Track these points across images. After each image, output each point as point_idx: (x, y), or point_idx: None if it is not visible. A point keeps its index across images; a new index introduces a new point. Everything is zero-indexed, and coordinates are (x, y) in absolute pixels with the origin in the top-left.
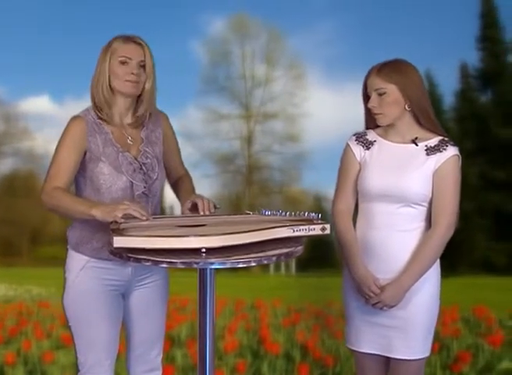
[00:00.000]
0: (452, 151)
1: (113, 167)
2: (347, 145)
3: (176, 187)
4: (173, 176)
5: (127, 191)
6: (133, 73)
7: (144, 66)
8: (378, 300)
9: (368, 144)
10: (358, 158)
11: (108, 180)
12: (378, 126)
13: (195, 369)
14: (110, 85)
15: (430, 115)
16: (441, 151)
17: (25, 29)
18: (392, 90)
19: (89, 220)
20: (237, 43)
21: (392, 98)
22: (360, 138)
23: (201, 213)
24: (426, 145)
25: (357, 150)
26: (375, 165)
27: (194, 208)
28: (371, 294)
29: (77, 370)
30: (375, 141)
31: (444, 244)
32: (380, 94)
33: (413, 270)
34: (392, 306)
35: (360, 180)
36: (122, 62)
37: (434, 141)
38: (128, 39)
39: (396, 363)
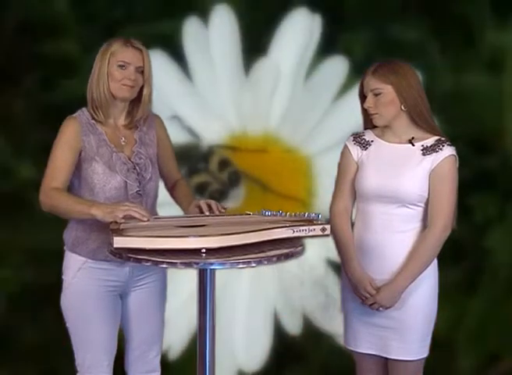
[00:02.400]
0: (448, 151)
1: (107, 166)
2: (345, 146)
3: (174, 193)
4: (170, 180)
5: (121, 190)
6: (129, 78)
7: (141, 72)
8: (374, 301)
9: (365, 145)
10: (355, 159)
11: (102, 179)
12: (375, 127)
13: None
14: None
15: (426, 116)
16: (437, 151)
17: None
18: (387, 90)
19: (84, 221)
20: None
21: (387, 99)
22: (357, 138)
23: (206, 213)
24: (422, 145)
25: (355, 150)
26: (371, 165)
27: (200, 211)
28: (367, 295)
29: (75, 371)
30: (372, 141)
31: (440, 245)
32: (376, 95)
33: (408, 271)
34: (388, 307)
35: (357, 181)
36: (121, 66)
37: (430, 140)
38: (127, 43)
39: (393, 364)
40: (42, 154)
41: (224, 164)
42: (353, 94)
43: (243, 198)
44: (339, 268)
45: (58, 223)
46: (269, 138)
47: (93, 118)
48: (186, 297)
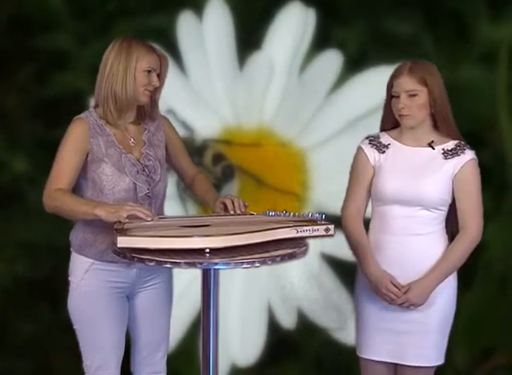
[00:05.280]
0: (470, 154)
1: (116, 168)
2: (360, 149)
3: (194, 189)
4: (188, 176)
5: (130, 192)
6: (153, 84)
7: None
8: (405, 300)
9: (382, 148)
10: (372, 162)
11: (111, 180)
12: (393, 128)
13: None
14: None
15: (450, 120)
16: (459, 155)
17: None
18: (423, 92)
19: (92, 222)
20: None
21: (422, 101)
22: (373, 141)
23: (232, 213)
24: (443, 149)
25: (371, 154)
26: (391, 169)
27: (225, 208)
28: (391, 295)
29: (82, 373)
30: (389, 144)
31: (472, 248)
32: (411, 96)
33: (441, 269)
34: (418, 305)
35: (376, 185)
36: (147, 72)
37: (450, 144)
38: (151, 48)
39: (406, 370)
40: (36, 148)
41: (218, 158)
42: (348, 88)
43: (237, 193)
44: (334, 262)
45: (52, 216)
46: (263, 132)
47: (101, 118)
48: (181, 293)
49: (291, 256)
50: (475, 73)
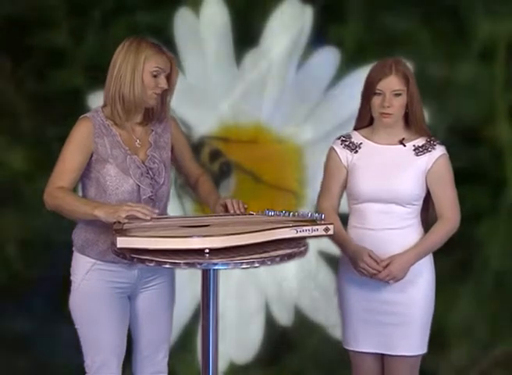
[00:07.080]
0: (441, 150)
1: (120, 169)
2: (332, 149)
3: (197, 190)
4: (192, 177)
5: (134, 194)
6: (161, 87)
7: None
8: (388, 272)
9: (354, 148)
10: (345, 163)
11: (115, 181)
12: (366, 126)
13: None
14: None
15: (422, 119)
16: (430, 151)
17: None
18: (405, 92)
19: (94, 222)
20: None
21: (404, 101)
22: (345, 141)
23: (232, 212)
24: (414, 145)
25: (344, 154)
26: (365, 168)
27: (225, 209)
28: (367, 268)
29: (84, 372)
30: (361, 143)
31: (450, 234)
32: (396, 95)
33: (421, 247)
34: (398, 279)
35: (352, 184)
36: (155, 74)
37: (420, 140)
38: (161, 49)
39: (394, 360)
40: (33, 145)
41: (215, 155)
42: (345, 85)
43: (234, 189)
44: (331, 259)
45: (49, 214)
46: (260, 129)
47: (108, 118)
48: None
49: (290, 256)
50: (473, 70)
